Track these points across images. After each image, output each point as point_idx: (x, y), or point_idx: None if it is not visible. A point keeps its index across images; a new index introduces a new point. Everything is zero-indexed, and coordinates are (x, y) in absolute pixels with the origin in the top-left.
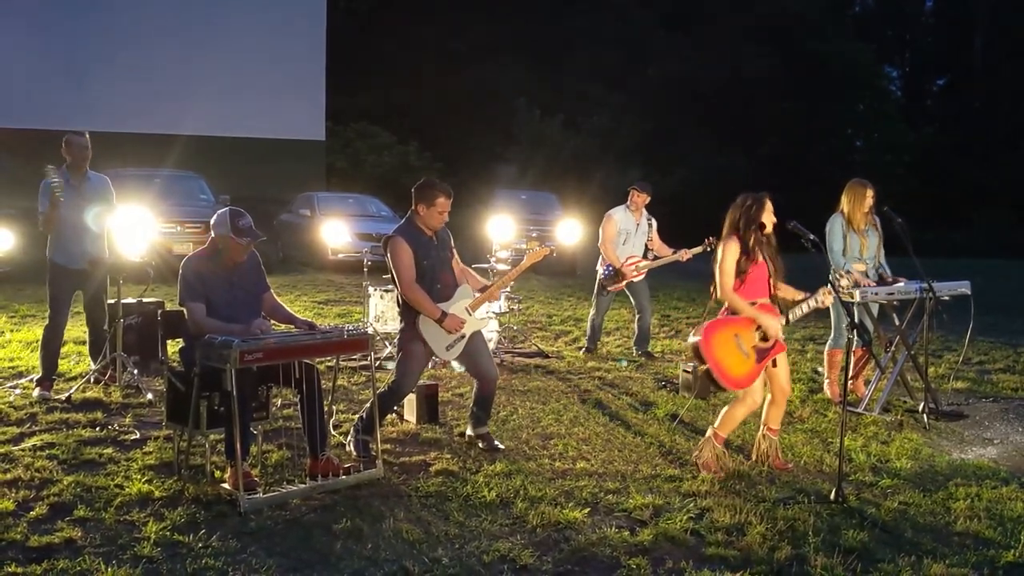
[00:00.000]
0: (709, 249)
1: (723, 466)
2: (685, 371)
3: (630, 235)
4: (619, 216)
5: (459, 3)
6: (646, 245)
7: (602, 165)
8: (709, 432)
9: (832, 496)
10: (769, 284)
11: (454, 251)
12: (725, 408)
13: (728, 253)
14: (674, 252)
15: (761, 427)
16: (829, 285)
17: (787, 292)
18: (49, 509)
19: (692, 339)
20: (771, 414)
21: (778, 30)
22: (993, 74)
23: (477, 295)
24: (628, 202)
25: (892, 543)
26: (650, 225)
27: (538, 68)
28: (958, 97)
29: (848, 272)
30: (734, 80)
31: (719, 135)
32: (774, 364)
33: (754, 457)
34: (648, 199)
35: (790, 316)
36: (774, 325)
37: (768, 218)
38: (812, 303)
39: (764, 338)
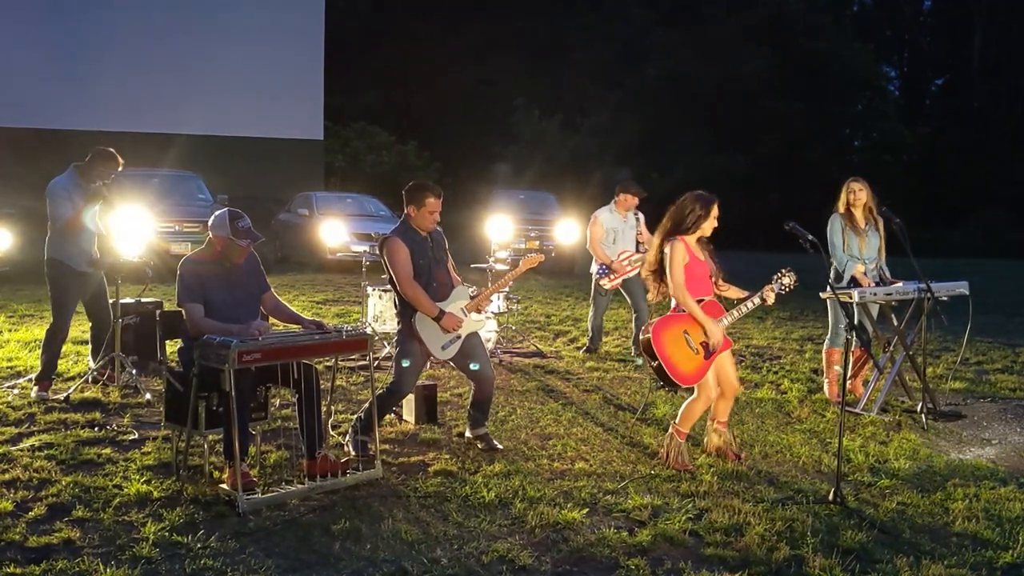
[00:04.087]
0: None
1: (691, 460)
2: None
3: (618, 233)
4: (604, 217)
5: (458, 2)
6: (637, 240)
7: (601, 165)
8: (671, 429)
9: (830, 496)
10: (711, 282)
11: (449, 254)
12: (683, 405)
13: (677, 253)
14: None
15: (710, 421)
16: (774, 283)
17: (732, 292)
18: (48, 509)
19: (643, 336)
20: (719, 408)
21: (777, 30)
22: (992, 74)
23: (473, 293)
24: (613, 203)
25: (890, 544)
26: (637, 220)
27: (537, 67)
28: (957, 97)
29: (789, 270)
30: (732, 79)
31: (718, 135)
32: (723, 370)
33: (709, 451)
34: (637, 200)
35: (735, 313)
36: (717, 334)
37: (711, 225)
38: (756, 300)
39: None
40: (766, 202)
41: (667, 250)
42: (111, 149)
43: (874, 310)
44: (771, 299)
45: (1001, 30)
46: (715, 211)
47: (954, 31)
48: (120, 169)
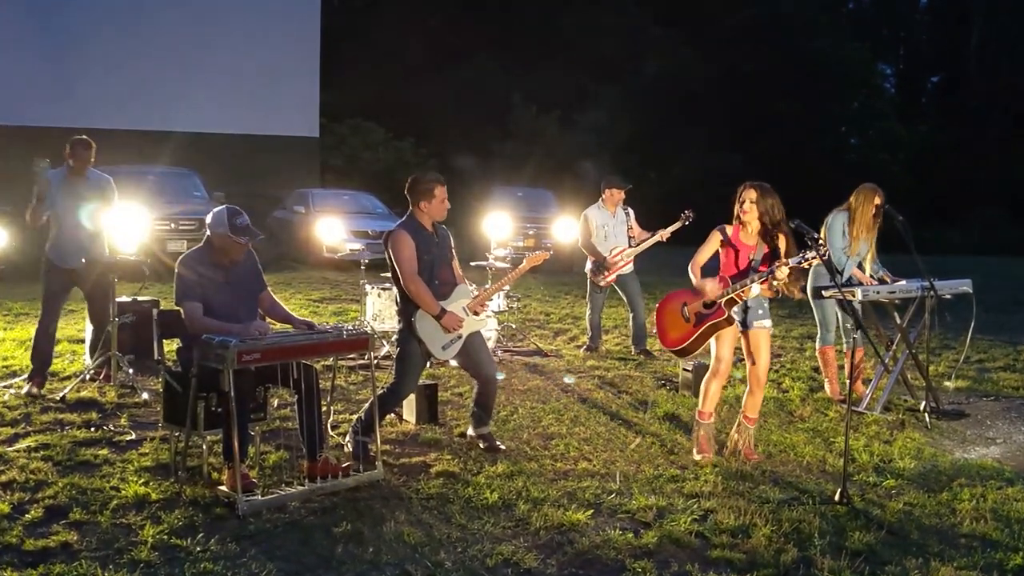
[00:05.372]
0: (687, 223)
1: (711, 447)
2: (685, 370)
3: (608, 229)
4: (594, 214)
5: None
6: (628, 235)
7: (598, 162)
8: (696, 413)
9: (837, 497)
10: (736, 265)
11: (453, 252)
12: (702, 386)
13: (709, 238)
14: (652, 235)
15: (738, 415)
16: (797, 258)
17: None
18: (44, 512)
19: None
20: (748, 403)
21: (773, 28)
22: (988, 71)
23: (475, 294)
24: (601, 200)
25: (898, 545)
26: (627, 215)
27: (534, 64)
28: (954, 95)
29: (820, 243)
30: (729, 78)
31: (715, 133)
32: (754, 358)
33: (729, 446)
34: (623, 194)
35: (746, 283)
36: (708, 285)
37: (744, 207)
38: (759, 277)
39: (707, 306)
40: None
41: None
42: (84, 136)
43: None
44: (782, 273)
45: (999, 27)
46: (742, 195)
47: (951, 29)
48: (93, 150)
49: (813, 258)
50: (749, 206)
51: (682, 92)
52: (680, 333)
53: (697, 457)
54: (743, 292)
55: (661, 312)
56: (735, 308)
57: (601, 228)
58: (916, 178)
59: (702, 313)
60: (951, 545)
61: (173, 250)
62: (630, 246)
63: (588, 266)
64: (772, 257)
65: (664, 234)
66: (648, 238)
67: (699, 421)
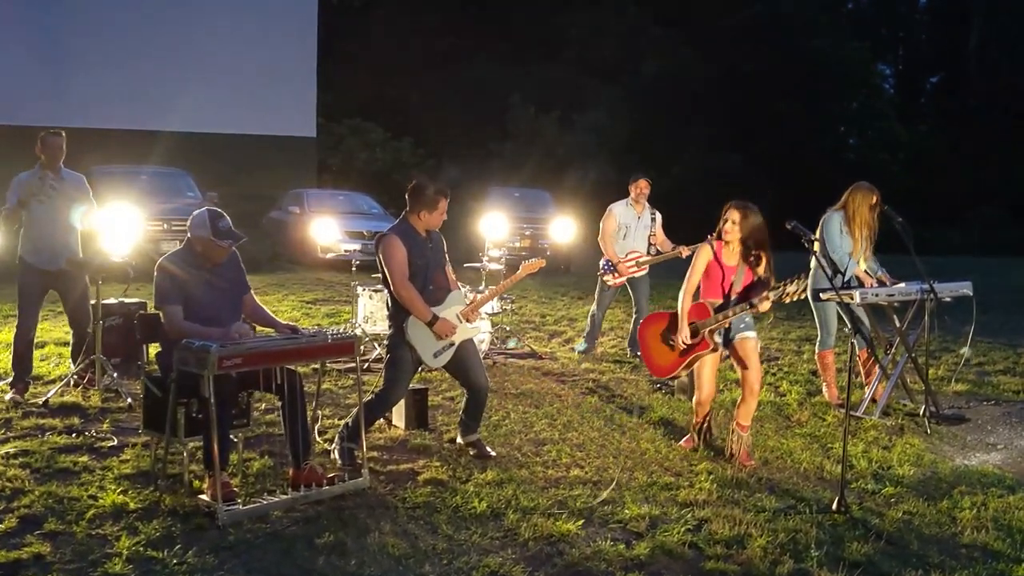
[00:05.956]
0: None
1: (696, 445)
2: None
3: (630, 229)
4: (619, 210)
5: None
6: (649, 240)
7: (596, 162)
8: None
9: (834, 505)
10: (722, 287)
11: (447, 257)
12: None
13: (697, 256)
14: (673, 248)
15: (732, 422)
16: (773, 290)
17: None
18: (19, 522)
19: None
20: (740, 411)
21: (773, 28)
22: (988, 71)
23: (469, 300)
24: (630, 196)
25: (897, 556)
26: (653, 219)
27: (532, 64)
28: (953, 95)
29: (800, 278)
30: (729, 78)
31: (716, 133)
32: (744, 367)
33: (726, 453)
34: (648, 186)
35: (729, 313)
36: (683, 331)
37: (726, 227)
38: (741, 308)
39: (693, 334)
40: (762, 201)
41: None
42: (52, 129)
43: (860, 311)
44: (764, 307)
45: (998, 27)
46: (726, 214)
47: (951, 29)
48: (63, 139)
49: (794, 293)
50: (731, 227)
51: (682, 92)
52: (667, 362)
53: (684, 444)
54: (724, 323)
55: (645, 336)
56: (716, 334)
57: (623, 227)
58: (916, 178)
59: (687, 343)
60: (952, 555)
61: (166, 250)
62: (648, 252)
63: (602, 262)
64: (753, 281)
65: (683, 251)
66: (668, 253)
67: (695, 421)
